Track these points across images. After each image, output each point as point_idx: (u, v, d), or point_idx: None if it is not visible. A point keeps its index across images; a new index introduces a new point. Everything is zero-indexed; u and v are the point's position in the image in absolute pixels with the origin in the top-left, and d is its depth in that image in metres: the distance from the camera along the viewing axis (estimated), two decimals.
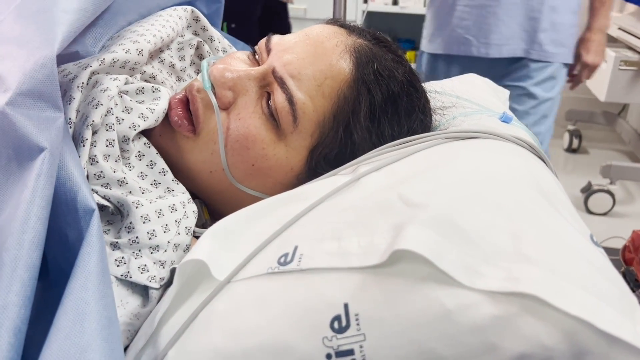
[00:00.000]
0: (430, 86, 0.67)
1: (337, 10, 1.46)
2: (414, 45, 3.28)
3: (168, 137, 0.56)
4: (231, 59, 0.58)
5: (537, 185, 0.43)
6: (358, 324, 0.35)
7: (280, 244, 0.41)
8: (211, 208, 0.60)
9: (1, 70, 0.40)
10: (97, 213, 0.39)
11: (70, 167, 0.41)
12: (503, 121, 0.66)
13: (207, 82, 0.55)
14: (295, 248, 0.39)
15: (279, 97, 0.52)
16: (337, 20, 0.64)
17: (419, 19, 3.09)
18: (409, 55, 3.16)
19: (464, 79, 0.85)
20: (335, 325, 0.35)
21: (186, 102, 0.56)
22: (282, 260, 0.39)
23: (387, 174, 0.46)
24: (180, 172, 0.56)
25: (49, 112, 0.40)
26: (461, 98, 0.69)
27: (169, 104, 0.56)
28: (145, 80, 0.60)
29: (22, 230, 0.34)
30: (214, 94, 0.54)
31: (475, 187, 0.41)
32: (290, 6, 3.04)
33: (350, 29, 0.61)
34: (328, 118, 0.54)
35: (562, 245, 0.38)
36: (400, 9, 3.03)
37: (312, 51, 0.55)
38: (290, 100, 0.52)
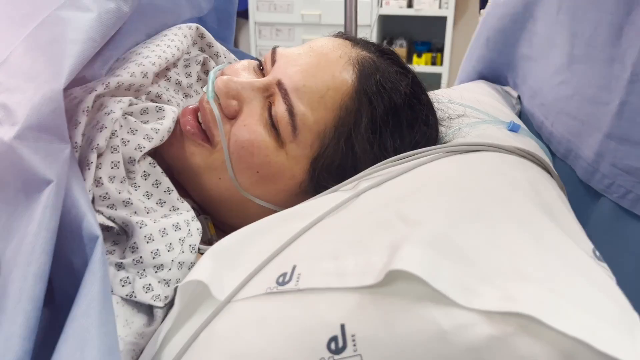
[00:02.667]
0: (438, 95, 0.67)
1: (350, 14, 1.46)
2: (430, 47, 3.26)
3: (179, 145, 0.58)
4: (236, 70, 0.60)
5: (538, 199, 0.43)
6: (355, 345, 0.35)
7: (279, 263, 0.41)
8: (218, 219, 0.61)
9: (11, 103, 0.41)
10: (101, 240, 0.40)
11: (76, 195, 0.42)
12: (510, 130, 0.65)
13: (211, 93, 0.57)
14: (294, 267, 0.40)
15: (279, 108, 0.54)
16: (343, 34, 0.65)
17: (434, 21, 3.08)
18: (425, 57, 3.14)
19: (472, 86, 0.84)
20: (332, 346, 0.35)
21: (197, 112, 0.58)
22: (280, 280, 0.39)
23: (387, 190, 0.46)
24: (190, 179, 0.58)
25: (56, 144, 0.41)
26: (469, 107, 0.69)
27: (181, 112, 0.59)
28: (151, 100, 0.62)
29: (27, 262, 0.36)
30: (220, 104, 0.56)
31: (473, 203, 0.41)
32: (304, 12, 3.06)
33: (355, 41, 0.62)
34: (329, 129, 0.55)
35: (561, 263, 0.38)
36: (415, 12, 3.02)
37: (316, 63, 0.56)
38: (291, 111, 0.54)
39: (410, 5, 3.04)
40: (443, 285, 0.34)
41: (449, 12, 2.97)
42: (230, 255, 0.43)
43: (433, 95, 0.65)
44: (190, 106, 0.60)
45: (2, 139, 0.40)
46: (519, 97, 0.86)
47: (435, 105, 0.65)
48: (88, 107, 0.51)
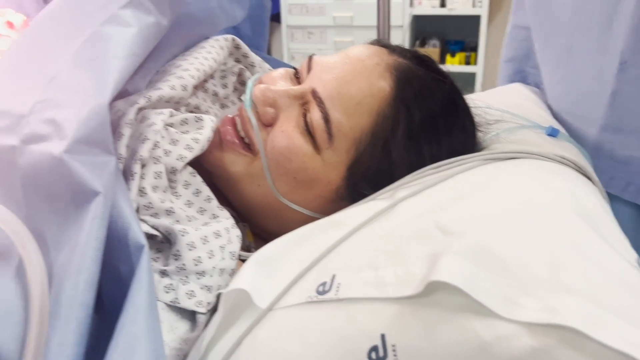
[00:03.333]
0: (475, 100, 0.67)
1: (382, 15, 1.45)
2: (463, 46, 3.22)
3: (219, 153, 0.59)
4: (273, 78, 0.61)
5: (579, 208, 0.42)
6: (395, 355, 0.36)
7: (319, 272, 0.42)
8: (256, 225, 0.62)
9: (59, 119, 0.43)
10: (146, 249, 0.42)
11: (122, 205, 0.44)
12: (549, 135, 0.65)
13: (249, 102, 0.59)
14: (333, 277, 0.40)
15: (315, 115, 0.55)
16: (379, 41, 0.66)
17: (467, 20, 3.04)
18: (459, 56, 3.10)
19: (509, 90, 0.83)
20: (373, 355, 0.36)
21: (236, 121, 0.60)
22: (320, 289, 0.40)
23: (424, 199, 0.46)
24: (229, 186, 0.60)
25: (102, 157, 0.43)
26: (507, 112, 0.68)
27: (221, 122, 0.60)
28: (190, 111, 0.64)
29: (78, 271, 0.37)
30: (257, 112, 0.58)
31: (513, 213, 0.41)
32: (336, 14, 3.06)
33: (391, 48, 0.62)
34: (366, 135, 0.55)
35: (604, 273, 0.37)
36: (448, 11, 2.99)
37: (352, 70, 0.57)
38: (326, 118, 0.55)
39: (443, 4, 3.01)
40: (484, 297, 0.34)
41: (482, 11, 2.93)
42: (271, 263, 0.44)
43: (470, 99, 0.65)
44: (230, 115, 0.61)
45: (52, 153, 0.41)
46: None
47: (473, 110, 0.64)
48: (131, 119, 0.53)
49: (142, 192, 0.51)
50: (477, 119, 0.65)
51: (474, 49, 3.11)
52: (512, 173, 0.47)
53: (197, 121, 0.58)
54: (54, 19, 0.56)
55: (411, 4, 3.02)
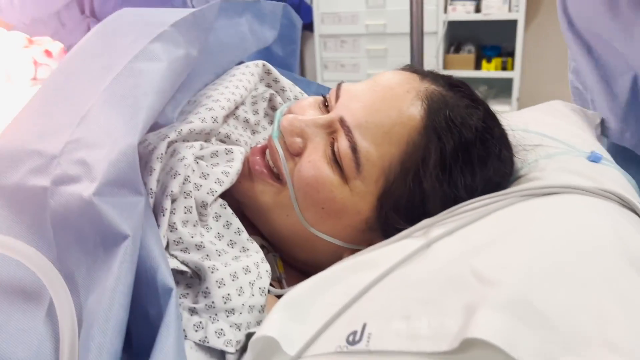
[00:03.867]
0: (513, 123, 0.64)
1: (415, 23, 1.43)
2: (499, 51, 3.16)
3: (249, 183, 0.59)
4: (302, 107, 0.61)
5: (627, 252, 0.40)
6: None
7: (349, 320, 0.41)
8: (287, 255, 0.62)
9: (90, 160, 0.43)
10: (174, 292, 0.42)
11: (151, 245, 0.44)
12: (591, 161, 0.62)
13: (276, 132, 0.59)
14: (364, 326, 0.39)
15: (342, 145, 0.54)
16: (411, 67, 0.64)
17: (503, 25, 2.98)
18: (495, 62, 3.04)
19: (548, 108, 0.80)
20: None
21: (265, 151, 0.60)
22: (350, 339, 0.39)
23: (459, 239, 0.44)
24: (259, 216, 0.59)
25: (131, 197, 0.43)
26: (546, 136, 0.66)
27: (250, 152, 0.60)
28: (220, 140, 0.64)
29: (106, 318, 0.37)
30: (285, 142, 0.57)
31: (553, 258, 0.39)
32: (369, 22, 3.04)
33: (423, 74, 0.61)
34: (395, 165, 0.54)
35: None
36: (483, 16, 2.93)
37: (381, 98, 0.56)
38: (354, 148, 0.53)
39: (478, 10, 2.96)
40: (524, 355, 0.33)
41: (519, 15, 2.86)
42: (300, 307, 0.43)
43: (507, 123, 0.63)
44: (259, 145, 0.61)
45: (82, 195, 0.41)
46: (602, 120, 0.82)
47: (510, 134, 0.62)
48: (162, 153, 0.53)
49: (172, 227, 0.50)
50: (514, 143, 0.62)
51: (511, 54, 3.04)
52: (551, 212, 0.44)
53: (227, 153, 0.58)
54: (86, 54, 0.56)
55: (445, 10, 2.97)
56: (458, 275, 0.40)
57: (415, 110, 0.55)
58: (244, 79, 0.69)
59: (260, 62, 0.75)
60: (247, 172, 0.59)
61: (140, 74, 0.51)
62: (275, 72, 0.76)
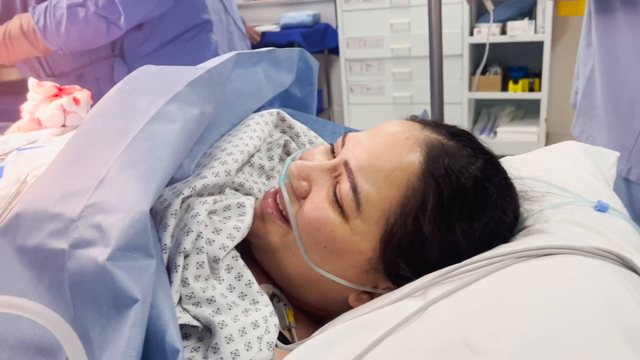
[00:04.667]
0: (524, 171, 0.65)
1: (436, 45, 1.43)
2: (527, 72, 3.14)
3: (260, 224, 0.62)
4: (312, 154, 0.64)
5: (620, 322, 0.40)
6: None
7: None
8: (295, 297, 0.63)
9: (105, 225, 0.46)
10: (181, 354, 0.44)
11: (162, 305, 0.46)
12: (598, 210, 0.62)
13: (284, 177, 0.62)
14: None
15: (344, 186, 0.57)
16: (414, 117, 0.66)
17: (530, 46, 2.97)
18: (522, 83, 3.02)
19: (560, 151, 0.81)
20: None
21: (277, 194, 0.63)
22: None
23: (455, 303, 0.45)
24: (268, 256, 0.62)
25: (143, 260, 0.46)
26: (553, 185, 0.66)
27: (264, 195, 0.63)
28: (234, 189, 0.66)
29: None
30: (292, 186, 0.61)
31: (544, 329, 0.40)
32: (394, 46, 3.07)
33: (425, 123, 0.63)
34: (395, 207, 0.56)
35: None
36: (509, 38, 2.92)
37: (382, 144, 0.59)
38: (354, 189, 0.56)
39: (503, 32, 2.95)
40: None
41: (545, 37, 2.85)
42: None
43: (517, 172, 0.63)
44: (272, 189, 0.64)
45: (97, 260, 0.44)
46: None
47: (519, 183, 0.63)
48: (176, 210, 0.55)
49: (184, 282, 0.53)
50: (521, 193, 0.63)
51: (538, 74, 3.02)
52: (545, 278, 0.45)
53: (239, 207, 0.60)
54: (106, 114, 0.60)
55: (471, 33, 2.98)
56: (451, 343, 0.41)
57: (414, 157, 0.57)
58: (258, 129, 0.72)
59: (275, 111, 0.78)
60: (259, 213, 0.62)
61: (155, 136, 0.54)
62: (289, 118, 0.79)
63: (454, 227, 0.55)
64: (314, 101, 1.03)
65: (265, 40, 3.37)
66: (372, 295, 0.59)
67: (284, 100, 0.95)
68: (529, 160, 0.76)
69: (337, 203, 0.57)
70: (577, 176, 0.70)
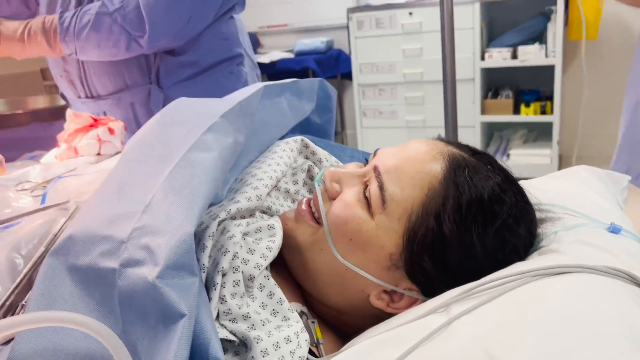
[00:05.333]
0: (534, 193, 0.68)
1: (449, 70, 1.47)
2: (538, 95, 3.18)
3: (292, 225, 0.67)
4: (345, 166, 0.71)
5: (630, 332, 0.43)
6: None
7: None
8: (320, 299, 0.67)
9: (153, 245, 0.50)
10: None
11: (204, 320, 0.50)
12: (611, 232, 0.65)
13: (319, 179, 0.68)
14: None
15: (373, 185, 0.63)
16: (440, 137, 0.71)
17: (541, 69, 3.01)
18: (534, 106, 3.06)
19: (571, 175, 0.84)
20: None
21: (310, 201, 0.69)
22: None
23: (477, 318, 0.49)
24: (296, 255, 0.67)
25: (188, 279, 0.50)
26: (568, 209, 0.69)
27: (299, 202, 0.69)
28: (262, 212, 0.71)
29: None
30: (326, 189, 0.67)
31: (558, 343, 0.43)
32: (406, 71, 3.12)
33: (448, 142, 0.67)
34: (417, 206, 0.61)
35: None
36: (520, 62, 2.97)
37: (408, 154, 0.65)
38: (381, 187, 0.62)
39: (514, 56, 3.00)
40: None
41: (556, 61, 2.89)
42: None
43: (536, 200, 0.67)
44: (306, 198, 0.70)
45: (146, 278, 0.48)
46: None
47: (534, 202, 0.66)
48: (213, 232, 0.60)
49: (222, 299, 0.57)
50: (538, 214, 0.66)
51: (549, 97, 3.05)
52: (559, 293, 0.48)
53: (269, 229, 0.65)
54: (148, 143, 0.64)
55: (482, 58, 3.03)
56: (474, 356, 0.44)
57: (437, 165, 0.63)
58: (285, 155, 0.77)
59: (299, 138, 0.83)
60: (293, 216, 0.68)
61: (195, 164, 0.58)
62: (312, 145, 0.84)
63: (470, 228, 0.59)
64: (333, 127, 1.08)
65: (279, 66, 3.46)
66: (392, 296, 0.63)
67: (304, 126, 1.00)
68: (540, 186, 0.79)
69: (365, 200, 0.63)
70: (589, 199, 0.73)
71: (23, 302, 0.64)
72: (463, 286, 0.54)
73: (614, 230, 0.65)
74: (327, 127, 1.07)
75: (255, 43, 3.78)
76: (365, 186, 0.64)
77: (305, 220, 0.66)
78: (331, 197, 0.66)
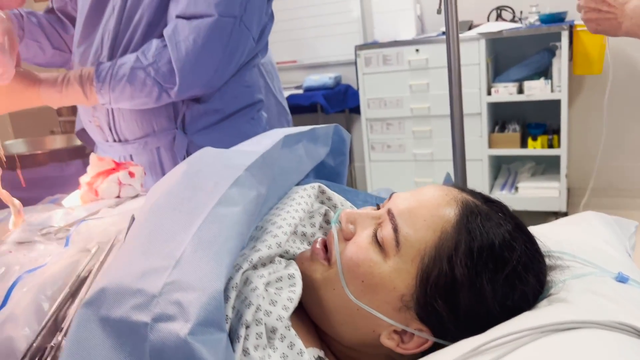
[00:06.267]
0: (545, 240, 0.71)
1: (457, 105, 1.48)
2: (545, 128, 3.21)
3: (308, 263, 0.70)
4: (360, 209, 0.73)
5: None
6: None
7: None
8: (334, 337, 0.69)
9: (184, 301, 0.53)
10: None
11: None
12: (619, 281, 0.67)
13: (336, 219, 0.71)
14: None
15: (386, 227, 0.66)
16: (453, 184, 0.74)
17: (547, 104, 3.05)
18: (541, 139, 3.09)
19: (579, 222, 0.86)
20: None
21: (325, 242, 0.72)
22: None
23: None
24: (311, 293, 0.69)
25: (217, 334, 0.52)
26: (577, 257, 0.72)
27: (314, 241, 0.72)
28: (280, 255, 0.74)
29: None
30: (341, 230, 0.70)
31: None
32: (413, 106, 3.17)
33: (461, 189, 0.70)
34: (430, 249, 0.63)
35: None
36: (526, 97, 3.01)
37: (422, 198, 0.68)
38: (395, 229, 0.65)
39: (520, 91, 3.05)
40: None
41: (562, 95, 2.93)
42: None
43: (547, 249, 0.69)
44: (321, 237, 0.73)
45: (178, 334, 0.51)
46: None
47: (544, 250, 0.69)
48: (237, 283, 0.62)
49: (245, 352, 0.59)
50: (547, 261, 0.69)
51: (556, 130, 3.08)
52: (566, 352, 0.50)
53: (289, 278, 0.67)
54: (175, 195, 0.67)
55: (489, 93, 3.08)
56: None
57: (451, 210, 0.65)
58: (302, 202, 0.80)
59: (316, 185, 0.86)
60: (309, 255, 0.71)
61: (222, 219, 0.61)
62: (328, 191, 0.87)
63: (481, 273, 0.62)
64: (346, 169, 1.12)
65: (289, 102, 3.49)
66: (402, 337, 0.65)
67: (318, 168, 1.04)
68: (550, 232, 0.81)
69: (377, 242, 0.65)
70: (597, 248, 0.75)
71: (51, 344, 0.67)
72: (472, 342, 0.56)
73: (622, 279, 0.67)
74: (340, 169, 1.10)
75: None
76: (379, 227, 0.67)
77: (318, 259, 0.69)
78: (346, 238, 0.69)
